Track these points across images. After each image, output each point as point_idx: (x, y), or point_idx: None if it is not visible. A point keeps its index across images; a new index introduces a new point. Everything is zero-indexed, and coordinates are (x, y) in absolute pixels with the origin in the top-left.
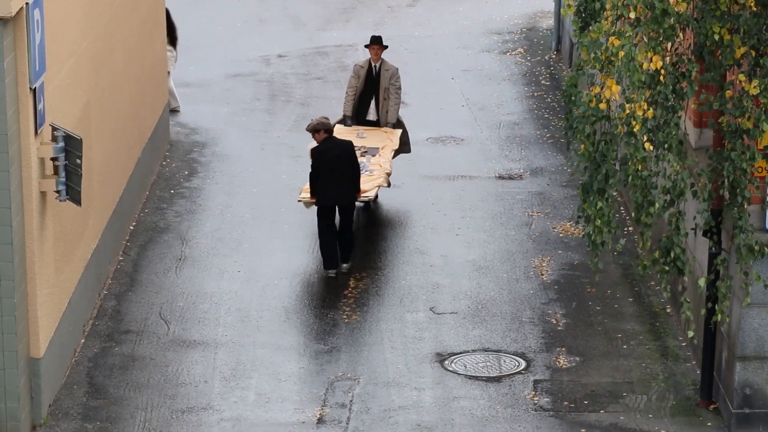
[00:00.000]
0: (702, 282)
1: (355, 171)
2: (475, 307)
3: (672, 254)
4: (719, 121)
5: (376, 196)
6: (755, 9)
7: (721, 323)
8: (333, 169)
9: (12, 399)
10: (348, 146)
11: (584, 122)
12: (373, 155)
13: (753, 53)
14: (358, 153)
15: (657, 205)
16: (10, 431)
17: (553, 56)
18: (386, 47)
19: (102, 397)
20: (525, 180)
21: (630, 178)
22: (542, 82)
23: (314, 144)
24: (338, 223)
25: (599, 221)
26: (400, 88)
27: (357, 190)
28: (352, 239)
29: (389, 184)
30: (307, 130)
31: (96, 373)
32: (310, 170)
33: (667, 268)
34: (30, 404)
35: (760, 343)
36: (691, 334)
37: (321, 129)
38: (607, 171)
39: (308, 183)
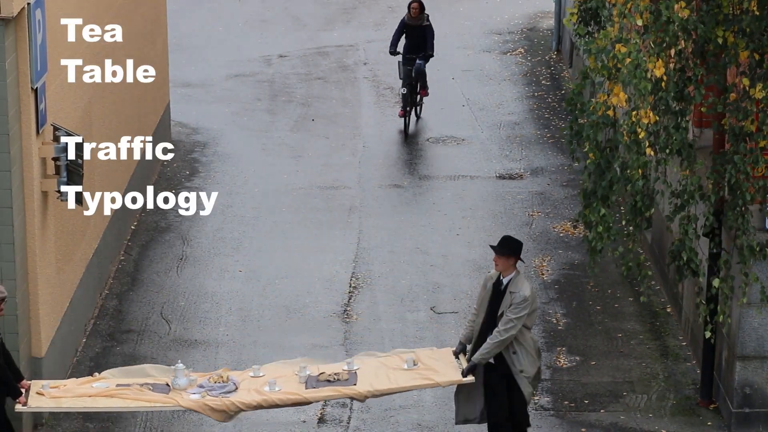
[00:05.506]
0: (716, 283)
1: None
2: None
3: (684, 257)
4: (722, 122)
5: None
6: (757, 12)
7: (722, 324)
8: None
9: None
10: None
11: (595, 130)
12: (335, 381)
13: (756, 56)
14: (317, 374)
15: (667, 209)
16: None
17: (554, 56)
18: (519, 253)
19: None
20: (525, 180)
21: (633, 184)
22: (543, 82)
23: None
24: None
25: (601, 228)
26: (514, 322)
27: None
28: None
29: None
30: None
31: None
32: None
33: (678, 276)
34: None
35: (760, 342)
36: (708, 334)
37: None
38: (611, 178)
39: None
